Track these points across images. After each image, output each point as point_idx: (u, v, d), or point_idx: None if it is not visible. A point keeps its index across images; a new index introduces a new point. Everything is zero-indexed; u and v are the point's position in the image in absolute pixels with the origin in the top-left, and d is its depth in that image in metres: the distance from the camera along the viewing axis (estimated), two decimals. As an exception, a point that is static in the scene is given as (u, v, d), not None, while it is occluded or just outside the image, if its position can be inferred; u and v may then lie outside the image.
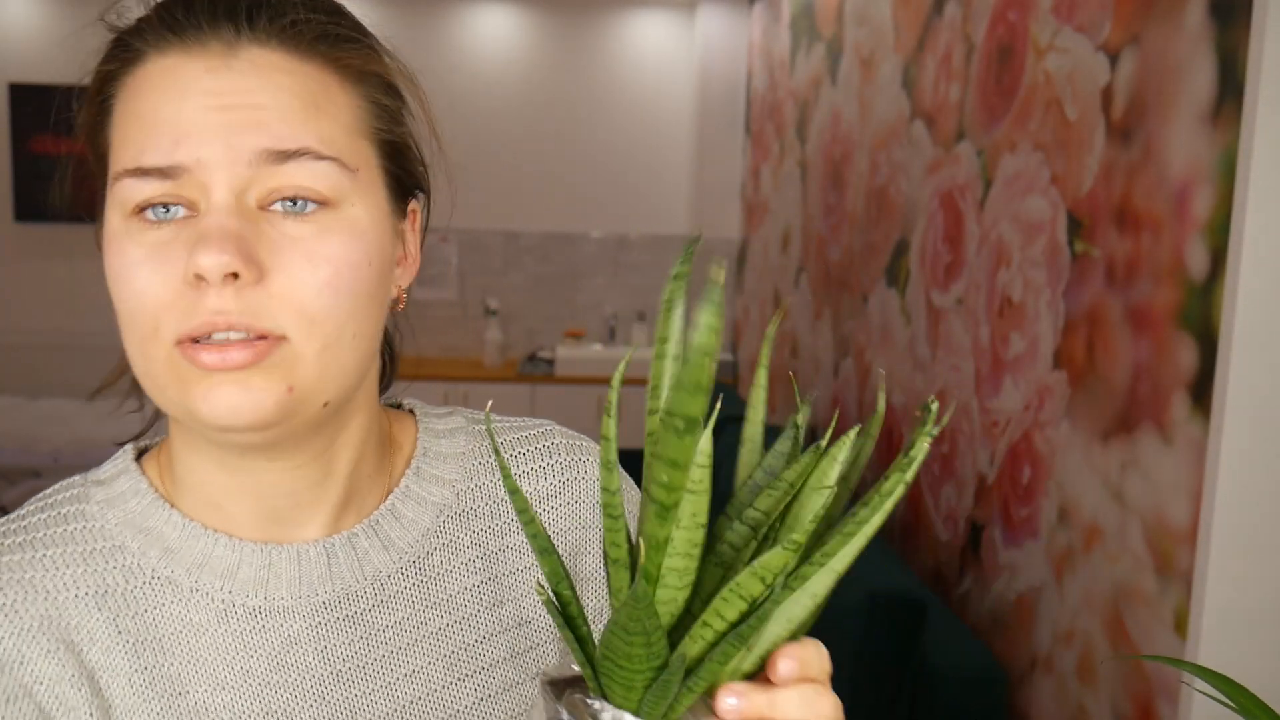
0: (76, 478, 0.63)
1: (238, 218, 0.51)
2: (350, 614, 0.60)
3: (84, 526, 0.59)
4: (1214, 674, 0.87)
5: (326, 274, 0.52)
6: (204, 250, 0.49)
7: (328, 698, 0.59)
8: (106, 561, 0.58)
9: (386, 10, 4.66)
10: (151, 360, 0.53)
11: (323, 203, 0.53)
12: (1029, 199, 1.56)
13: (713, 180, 4.45)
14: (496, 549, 0.65)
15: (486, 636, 0.63)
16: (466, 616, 0.63)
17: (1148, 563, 1.21)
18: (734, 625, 0.38)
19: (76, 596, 0.57)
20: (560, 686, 0.42)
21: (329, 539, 0.60)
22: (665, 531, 0.38)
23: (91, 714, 0.56)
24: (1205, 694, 0.90)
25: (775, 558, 0.38)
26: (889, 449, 2.23)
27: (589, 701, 0.40)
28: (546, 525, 0.66)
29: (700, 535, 0.38)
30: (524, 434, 0.69)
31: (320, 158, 0.53)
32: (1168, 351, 1.18)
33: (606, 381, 4.34)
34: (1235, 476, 1.07)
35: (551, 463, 0.68)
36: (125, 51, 0.55)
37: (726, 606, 0.38)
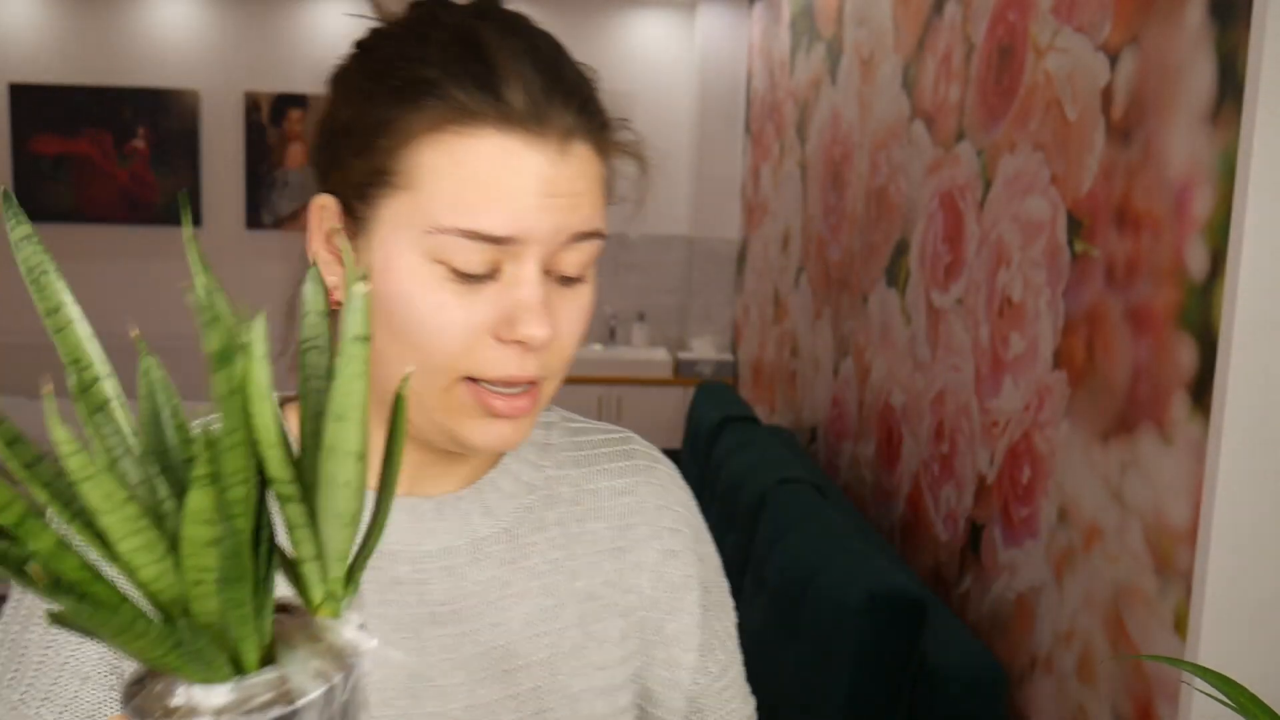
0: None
1: (545, 288, 0.60)
2: (448, 565, 0.68)
3: None
4: (1213, 674, 0.87)
5: (580, 330, 0.63)
6: (534, 323, 0.59)
7: (422, 635, 0.66)
8: None
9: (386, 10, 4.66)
10: (432, 387, 0.61)
11: (586, 269, 0.63)
12: (1029, 199, 1.56)
13: (713, 180, 4.45)
14: (576, 531, 0.73)
15: (561, 603, 0.71)
16: (546, 583, 0.71)
17: (1147, 562, 1.21)
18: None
19: None
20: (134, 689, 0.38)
21: (440, 497, 0.69)
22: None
23: None
24: (1205, 693, 0.90)
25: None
26: (889, 449, 2.23)
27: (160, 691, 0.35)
28: (616, 519, 0.75)
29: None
30: (609, 435, 0.78)
31: (601, 236, 0.63)
32: (1167, 351, 1.18)
33: (606, 381, 4.34)
34: (1235, 476, 1.07)
35: (629, 465, 0.77)
36: (457, 109, 0.59)
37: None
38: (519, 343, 0.59)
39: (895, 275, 2.23)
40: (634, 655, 0.73)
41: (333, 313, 0.64)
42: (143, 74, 4.70)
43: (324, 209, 0.63)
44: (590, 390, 4.34)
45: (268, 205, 4.79)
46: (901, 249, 2.19)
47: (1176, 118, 1.17)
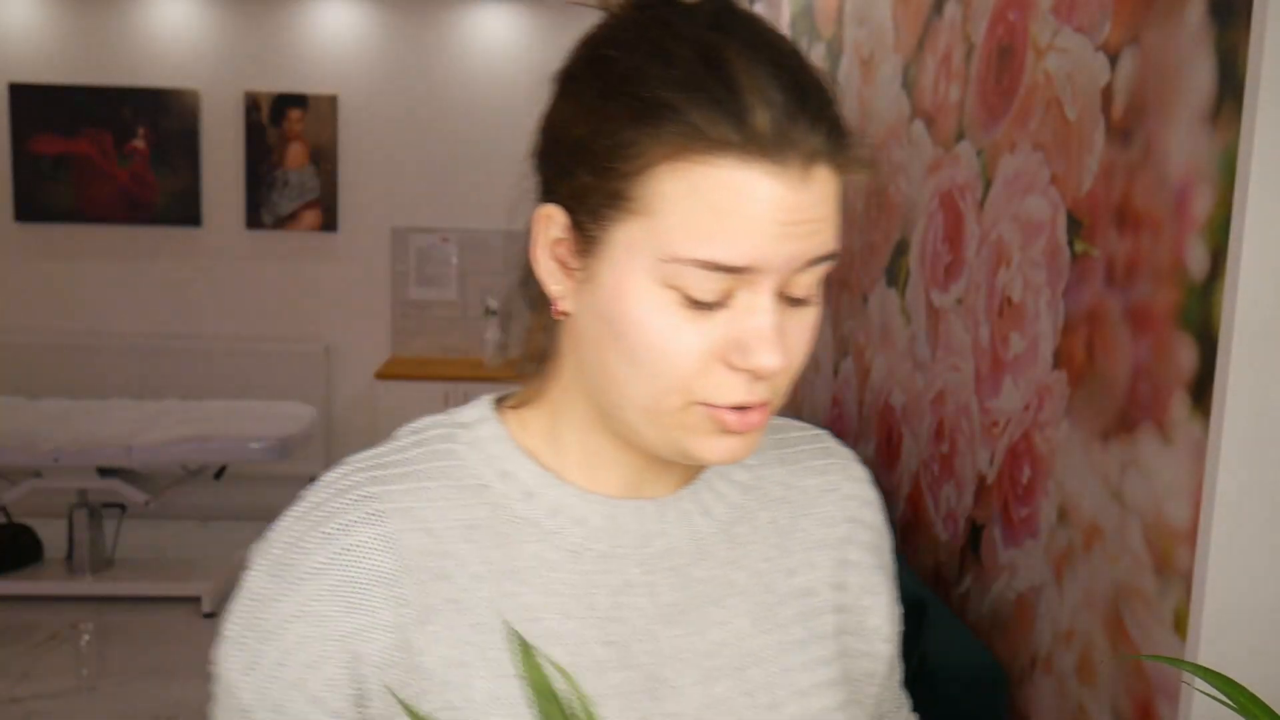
0: (440, 417, 0.72)
1: (779, 315, 0.59)
2: (674, 565, 0.69)
3: (456, 464, 0.68)
4: (1214, 674, 0.87)
5: (806, 344, 0.63)
6: (767, 353, 0.58)
7: (655, 634, 0.67)
8: (475, 497, 0.67)
9: (387, 10, 4.66)
10: (664, 407, 0.61)
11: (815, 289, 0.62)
12: (1029, 199, 1.56)
13: (713, 180, 4.45)
14: (788, 528, 0.75)
15: (781, 599, 0.72)
16: (765, 580, 0.72)
17: (1147, 562, 1.21)
18: None
19: (449, 528, 0.66)
20: None
21: (662, 499, 0.70)
22: None
23: (458, 634, 0.64)
24: (1205, 694, 0.90)
25: None
26: (889, 449, 2.23)
27: None
28: (824, 516, 0.77)
29: None
30: (805, 433, 0.80)
31: (837, 256, 0.61)
32: (1167, 351, 1.18)
33: (606, 381, 4.34)
34: (1235, 476, 1.07)
35: (830, 463, 0.79)
36: (699, 136, 0.56)
37: None
38: (749, 371, 0.59)
39: (895, 275, 2.23)
40: (843, 652, 0.75)
41: (556, 322, 0.68)
42: (143, 74, 4.70)
43: (550, 220, 0.63)
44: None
45: (268, 205, 4.79)
46: (901, 249, 2.19)
47: (1176, 118, 1.17)
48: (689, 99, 0.56)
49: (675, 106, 0.56)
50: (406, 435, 0.71)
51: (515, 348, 0.73)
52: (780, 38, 0.61)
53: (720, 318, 0.59)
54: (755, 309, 0.58)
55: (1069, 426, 1.41)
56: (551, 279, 0.65)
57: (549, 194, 0.65)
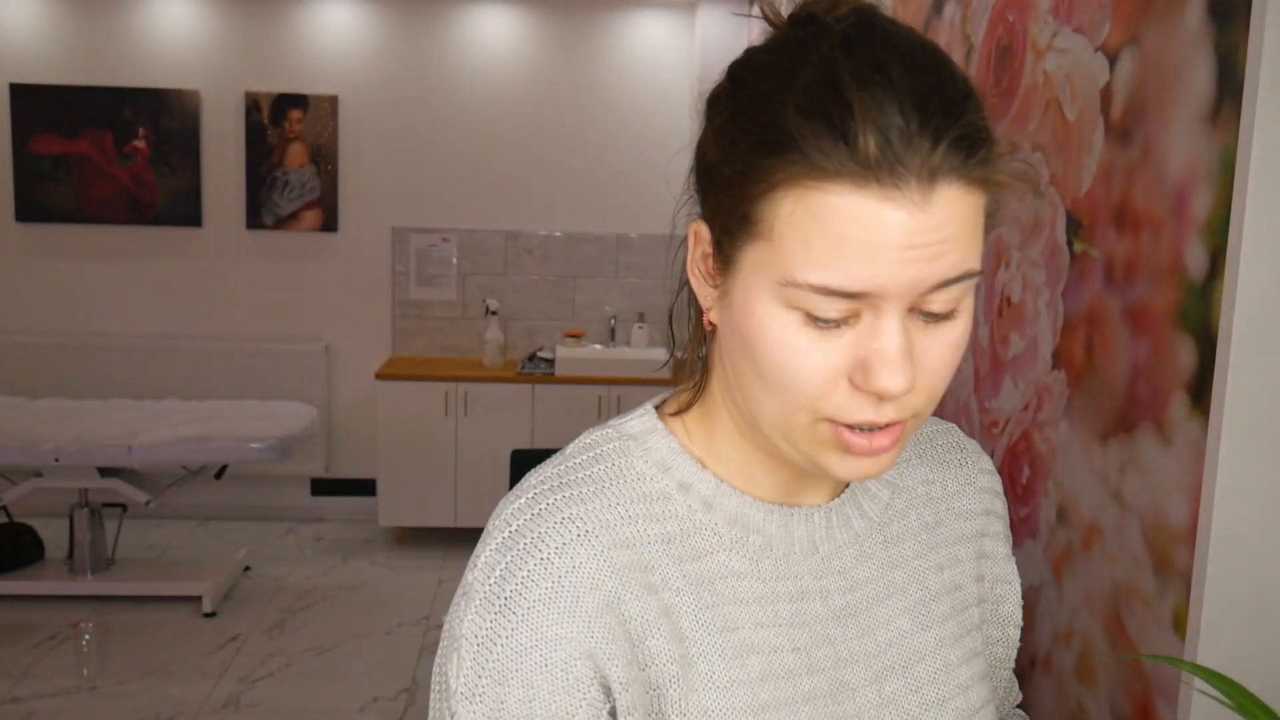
0: (608, 430, 0.72)
1: (907, 334, 0.58)
2: (839, 568, 0.72)
3: (635, 479, 0.69)
4: (1213, 674, 0.87)
5: (951, 364, 0.61)
6: (889, 376, 0.57)
7: (831, 638, 0.70)
8: (662, 509, 0.68)
9: (387, 10, 4.66)
10: (793, 423, 0.62)
11: (958, 306, 0.60)
12: (1028, 199, 1.56)
13: (713, 180, 4.45)
14: (934, 524, 0.77)
15: (935, 594, 0.75)
16: (919, 576, 0.75)
17: (1147, 562, 1.21)
18: None
19: (649, 542, 0.67)
20: None
21: (825, 505, 0.72)
22: None
23: (670, 647, 0.65)
24: (1205, 694, 0.90)
25: None
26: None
27: None
28: (965, 512, 0.80)
29: None
30: (937, 428, 0.82)
31: (974, 275, 0.59)
32: (1167, 351, 1.18)
33: (607, 381, 4.34)
34: (1234, 476, 1.07)
35: (964, 457, 0.81)
36: (814, 165, 0.56)
37: None
38: (874, 392, 0.59)
39: (895, 275, 2.23)
40: (987, 643, 0.79)
41: (708, 333, 0.70)
42: (143, 74, 4.69)
43: (699, 235, 0.65)
44: (590, 390, 4.34)
45: (268, 205, 4.79)
46: (901, 249, 2.19)
47: (1176, 118, 1.17)
48: (806, 126, 0.56)
49: (793, 134, 0.56)
50: (581, 452, 0.70)
51: (681, 353, 0.75)
52: (916, 49, 0.59)
53: (846, 337, 0.59)
54: (879, 331, 0.58)
55: (1068, 426, 1.41)
56: (701, 291, 0.67)
57: (701, 210, 0.67)
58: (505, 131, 4.71)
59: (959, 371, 1.83)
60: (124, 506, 4.02)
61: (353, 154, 4.74)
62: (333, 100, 4.66)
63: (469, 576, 0.66)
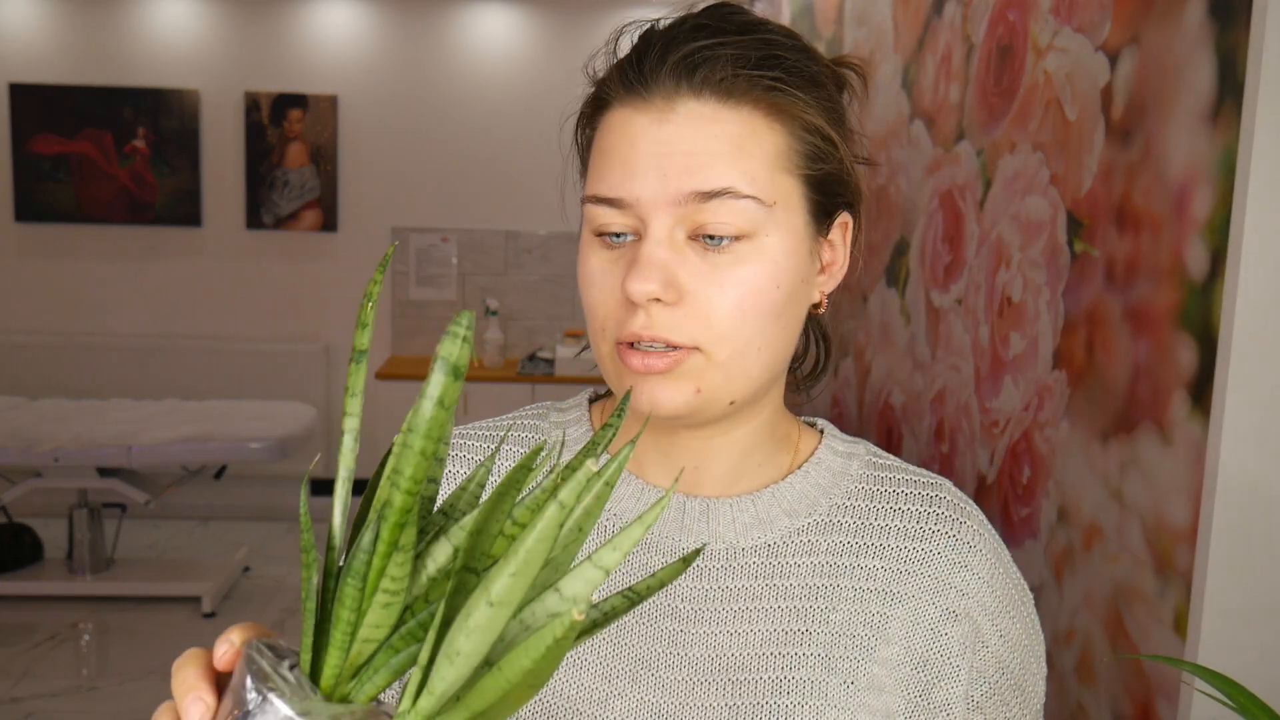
0: (550, 402, 0.78)
1: (667, 248, 0.61)
2: (701, 566, 0.69)
3: (534, 436, 0.74)
4: (1213, 674, 0.87)
5: (735, 297, 0.61)
6: (634, 278, 0.60)
7: (657, 624, 0.67)
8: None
9: (387, 10, 4.66)
10: (600, 352, 0.66)
11: (739, 236, 0.61)
12: (1029, 199, 1.56)
13: (713, 180, 4.45)
14: (848, 564, 0.69)
15: (808, 631, 0.68)
16: (797, 608, 0.68)
17: (1147, 562, 1.21)
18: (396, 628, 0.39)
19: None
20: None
21: (716, 499, 0.70)
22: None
23: None
24: (1205, 694, 0.90)
25: (440, 548, 0.39)
26: (890, 448, 2.23)
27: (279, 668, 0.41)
28: (898, 563, 0.70)
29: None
30: (917, 477, 0.74)
31: (740, 196, 0.61)
32: (1167, 351, 1.18)
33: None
34: (1234, 476, 1.07)
35: (930, 511, 0.72)
36: (600, 95, 0.66)
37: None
38: (625, 295, 0.61)
39: (895, 275, 2.23)
40: (896, 714, 0.67)
41: None
42: (143, 74, 4.69)
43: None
44: (590, 390, 4.33)
45: (268, 205, 4.79)
46: (901, 249, 2.19)
47: (1176, 118, 1.17)
48: (601, 81, 0.66)
49: (599, 84, 0.66)
50: (517, 410, 0.78)
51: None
52: (731, 8, 0.65)
53: (623, 260, 0.63)
54: (643, 240, 0.62)
55: (1069, 426, 1.41)
56: None
57: None
58: (505, 131, 4.71)
59: (958, 371, 1.83)
60: (123, 506, 4.02)
61: (353, 154, 4.74)
62: (333, 100, 4.66)
63: None
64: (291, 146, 4.69)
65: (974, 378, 1.76)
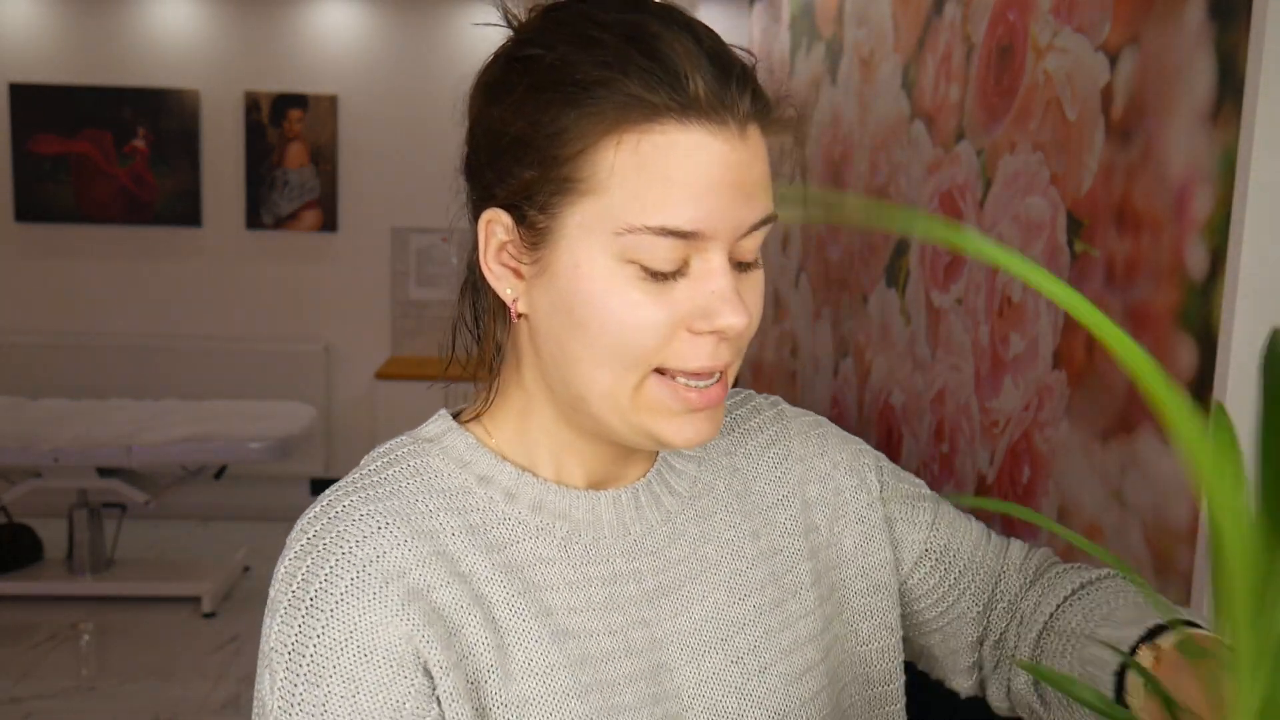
0: (404, 438, 0.72)
1: (735, 278, 0.61)
2: (652, 548, 0.71)
3: (432, 476, 0.68)
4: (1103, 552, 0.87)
5: (757, 310, 0.64)
6: (731, 313, 0.59)
7: (644, 617, 0.69)
8: (463, 501, 0.67)
9: (387, 10, 4.66)
10: (622, 385, 0.62)
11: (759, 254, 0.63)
12: (1029, 199, 1.56)
13: (713, 180, 4.44)
14: (743, 492, 0.76)
15: (752, 564, 0.74)
16: (734, 548, 0.74)
17: (1148, 563, 1.21)
18: None
19: (453, 533, 0.65)
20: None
21: (633, 486, 0.71)
22: None
23: (486, 635, 0.63)
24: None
25: None
26: (889, 449, 2.23)
27: None
28: (773, 472, 0.78)
29: None
30: (734, 399, 0.81)
31: (773, 221, 0.62)
32: (1167, 351, 1.18)
33: (606, 381, 4.34)
34: (1235, 476, 1.07)
35: (764, 419, 0.80)
36: (637, 104, 0.58)
37: None
38: (714, 333, 0.61)
39: (895, 275, 2.23)
40: (828, 594, 0.76)
41: (508, 327, 0.68)
42: (143, 74, 4.69)
43: (493, 224, 0.65)
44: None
45: (268, 205, 4.79)
46: (901, 249, 2.19)
47: (1176, 118, 1.17)
48: (624, 71, 0.58)
49: (609, 82, 0.58)
50: (375, 459, 0.69)
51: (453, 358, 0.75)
52: (696, 19, 0.63)
53: (680, 287, 0.60)
54: (713, 273, 0.60)
55: (1069, 426, 1.41)
56: (504, 283, 0.66)
57: (487, 201, 0.66)
58: (505, 131, 4.70)
59: (958, 371, 1.83)
60: (123, 506, 4.01)
61: (352, 154, 4.74)
62: (332, 100, 4.66)
63: (271, 592, 0.64)
64: (291, 146, 4.69)
65: (974, 378, 1.76)
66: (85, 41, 4.62)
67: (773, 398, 0.83)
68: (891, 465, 0.85)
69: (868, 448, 0.84)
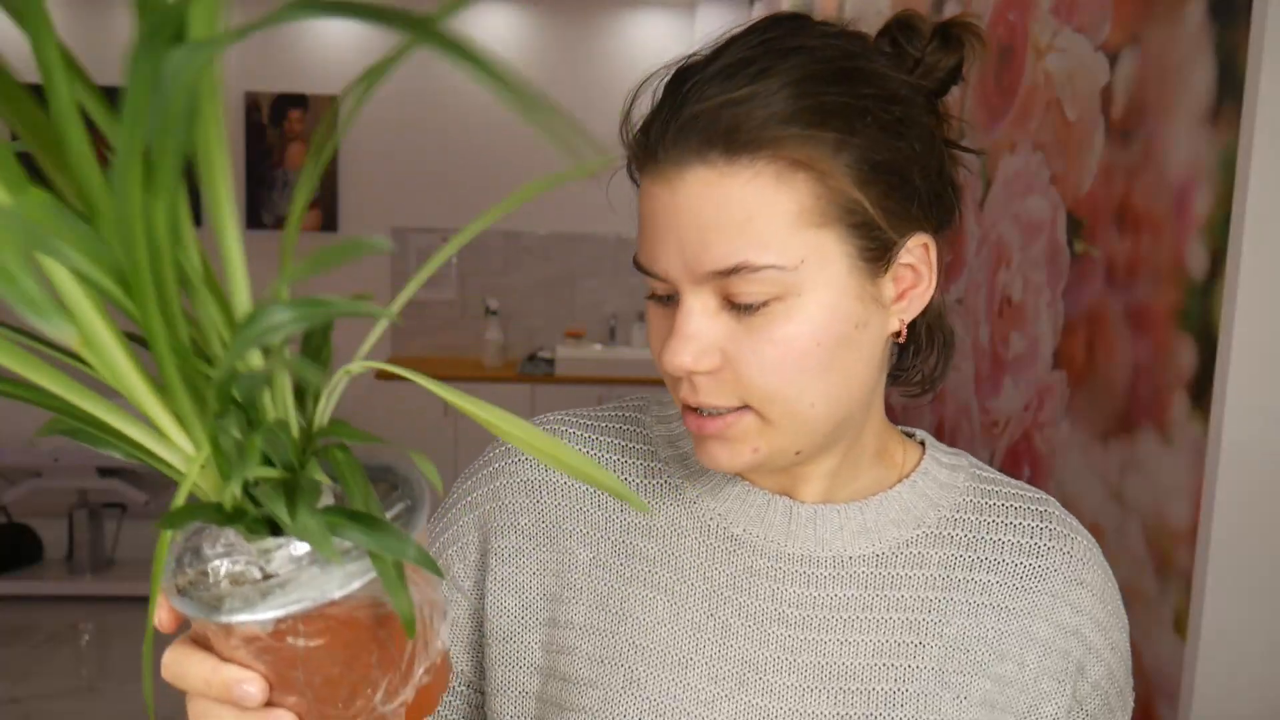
0: (652, 392, 0.76)
1: (700, 317, 0.59)
2: (809, 574, 0.67)
3: (634, 429, 0.73)
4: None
5: (773, 359, 0.58)
6: (668, 351, 0.59)
7: (765, 628, 0.66)
8: (639, 461, 0.71)
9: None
10: (676, 395, 0.64)
11: (768, 300, 0.58)
12: (1029, 199, 1.56)
13: (713, 180, 4.45)
14: (961, 577, 0.69)
15: (922, 643, 0.67)
16: (910, 619, 0.67)
17: (1147, 563, 1.21)
18: None
19: (624, 470, 0.71)
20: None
21: (822, 506, 0.68)
22: None
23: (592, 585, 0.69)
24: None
25: None
26: (889, 449, 2.23)
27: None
28: (1013, 578, 0.69)
29: None
30: (1023, 492, 0.73)
31: (756, 269, 0.57)
32: (1167, 352, 1.18)
33: (606, 381, 4.34)
34: (1235, 476, 1.07)
35: (1043, 527, 0.72)
36: (643, 155, 0.61)
37: None
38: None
39: (895, 275, 2.23)
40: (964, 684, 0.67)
41: None
42: (143, 74, 4.69)
43: None
44: (590, 390, 4.34)
45: (268, 205, 4.79)
46: (901, 249, 2.19)
47: (1176, 118, 1.17)
48: (631, 120, 0.63)
49: (635, 129, 0.62)
50: (614, 400, 0.77)
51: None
52: (772, 53, 0.58)
53: (673, 312, 0.61)
54: (679, 310, 0.60)
55: (1069, 426, 1.41)
56: None
57: None
58: (505, 131, 4.71)
59: (958, 371, 1.83)
60: (123, 506, 4.01)
61: (352, 154, 4.74)
62: (333, 100, 4.66)
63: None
64: (292, 146, 4.69)
65: (974, 378, 1.76)
66: (85, 41, 4.62)
67: (1077, 523, 0.74)
68: (1125, 675, 0.75)
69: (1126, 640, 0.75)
